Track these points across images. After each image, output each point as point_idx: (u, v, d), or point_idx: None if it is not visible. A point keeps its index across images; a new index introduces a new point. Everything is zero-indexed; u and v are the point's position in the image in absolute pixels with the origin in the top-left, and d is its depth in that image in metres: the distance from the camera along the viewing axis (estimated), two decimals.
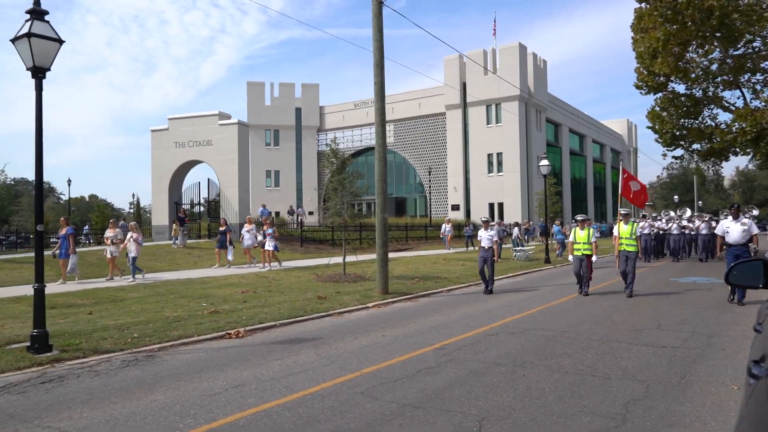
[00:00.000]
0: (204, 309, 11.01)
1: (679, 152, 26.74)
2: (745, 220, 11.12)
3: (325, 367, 6.67)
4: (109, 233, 17.52)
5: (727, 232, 11.18)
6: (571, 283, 15.39)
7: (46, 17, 7.61)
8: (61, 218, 18.14)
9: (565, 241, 20.58)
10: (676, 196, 67.81)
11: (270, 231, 20.08)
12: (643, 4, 22.27)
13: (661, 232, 24.02)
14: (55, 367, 6.85)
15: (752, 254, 11.19)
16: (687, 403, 5.13)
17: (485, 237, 13.74)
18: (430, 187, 47.83)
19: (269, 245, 19.87)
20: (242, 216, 30.44)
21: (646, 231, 21.41)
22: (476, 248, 28.18)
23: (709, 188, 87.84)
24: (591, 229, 12.75)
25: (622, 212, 12.76)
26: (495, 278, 14.85)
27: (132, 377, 6.44)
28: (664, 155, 26.59)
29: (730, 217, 11.37)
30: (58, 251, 16.15)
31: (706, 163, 38.85)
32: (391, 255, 21.73)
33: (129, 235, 16.99)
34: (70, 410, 5.29)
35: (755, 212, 24.86)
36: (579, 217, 13.10)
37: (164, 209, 31.90)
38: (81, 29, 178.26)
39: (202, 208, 33.01)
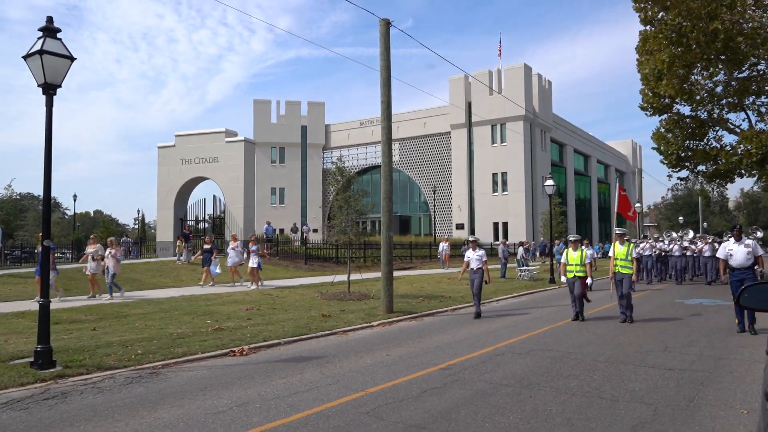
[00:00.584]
0: (208, 326, 10.98)
1: (684, 173, 26.73)
2: (749, 242, 10.45)
3: (329, 386, 6.62)
4: (89, 249, 16.77)
5: (731, 255, 10.50)
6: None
7: (58, 35, 7.71)
8: (91, 236, 18.34)
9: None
10: (681, 218, 67.61)
11: (254, 248, 19.16)
12: (648, 27, 22.43)
13: (663, 253, 23.46)
14: (58, 384, 6.82)
15: (758, 277, 10.68)
16: (696, 427, 5.06)
17: (474, 258, 12.74)
18: (434, 205, 47.85)
19: (253, 262, 19.01)
20: (247, 233, 30.47)
21: (647, 252, 21.10)
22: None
23: (714, 210, 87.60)
24: (584, 250, 12.08)
25: (617, 232, 12.26)
26: (500, 298, 14.78)
27: (136, 394, 6.40)
28: (670, 176, 26.57)
29: (732, 239, 10.70)
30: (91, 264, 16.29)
31: (710, 185, 38.93)
32: (395, 273, 21.68)
33: (108, 251, 16.33)
34: (72, 427, 5.26)
35: (759, 234, 24.02)
36: (571, 237, 12.37)
37: (169, 225, 31.98)
38: (90, 46, 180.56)
39: (207, 225, 33.09)
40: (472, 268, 12.76)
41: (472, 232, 46.74)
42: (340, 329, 10.94)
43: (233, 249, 19.71)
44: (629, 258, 11.83)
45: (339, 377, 7.08)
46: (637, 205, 52.43)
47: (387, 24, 13.82)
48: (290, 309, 13.72)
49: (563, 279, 12.34)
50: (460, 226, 47.80)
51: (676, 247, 22.57)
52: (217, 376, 7.24)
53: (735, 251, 10.45)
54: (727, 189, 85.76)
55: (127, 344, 9.02)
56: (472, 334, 10.42)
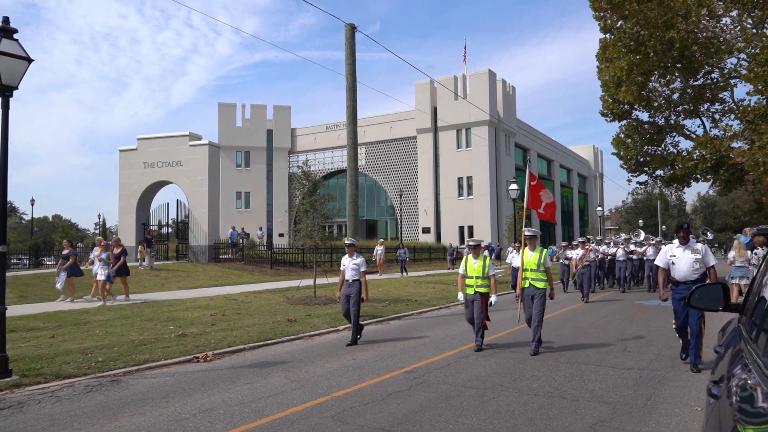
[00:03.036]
0: (171, 332, 10.81)
1: (643, 178, 27.45)
2: (698, 246, 7.71)
3: (294, 391, 6.61)
4: (96, 252, 16.27)
5: (673, 263, 7.79)
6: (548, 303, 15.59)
7: (15, 36, 7.53)
8: (64, 240, 18.19)
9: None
10: (640, 221, 69.37)
11: (104, 256, 15.96)
12: (607, 35, 23.03)
13: (608, 257, 20.77)
14: (14, 393, 6.63)
15: None
16: (652, 424, 5.22)
17: (349, 267, 10.11)
18: (401, 209, 48.07)
19: (101, 274, 15.86)
20: (212, 237, 30.10)
21: (591, 256, 17.96)
22: (405, 275, 27.64)
23: (673, 213, 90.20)
24: (487, 259, 9.22)
25: (526, 233, 9.36)
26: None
27: (96, 403, 6.27)
28: (629, 181, 27.43)
29: (676, 242, 7.89)
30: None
31: (669, 189, 39.99)
32: (369, 277, 21.69)
33: (94, 254, 16.10)
34: None
35: (709, 236, 22.15)
36: (470, 242, 9.42)
37: (131, 230, 31.30)
38: (49, 46, 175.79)
39: (170, 230, 32.52)
40: (347, 280, 10.01)
41: (438, 236, 47.12)
42: (305, 334, 10.91)
43: (97, 257, 16.18)
44: (542, 268, 9.00)
45: (304, 382, 7.07)
46: (598, 209, 53.58)
47: (352, 29, 13.88)
48: (255, 314, 13.61)
49: (460, 296, 9.42)
50: (426, 230, 48.12)
51: (620, 251, 20.26)
52: (180, 382, 7.15)
53: (679, 258, 7.70)
54: (684, 193, 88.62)
55: (87, 351, 8.82)
56: (438, 337, 10.51)
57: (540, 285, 8.98)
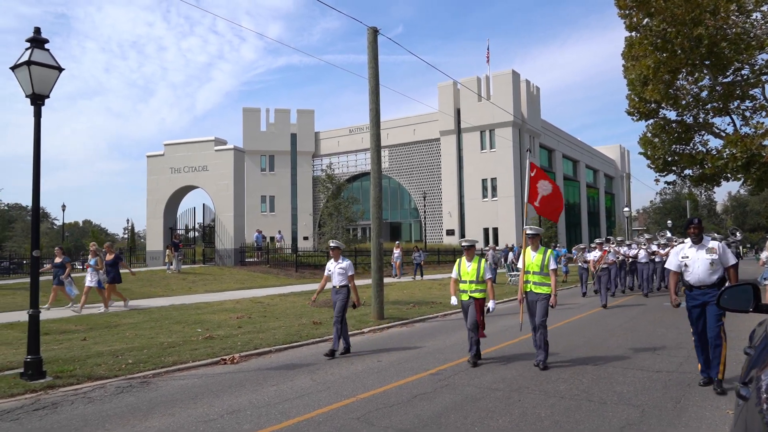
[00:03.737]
0: (199, 335, 10.96)
1: (671, 178, 26.92)
2: (714, 245, 6.69)
3: (320, 393, 6.65)
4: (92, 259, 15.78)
5: (686, 265, 6.76)
6: (566, 307, 15.43)
7: (46, 45, 7.73)
8: (56, 248, 16.96)
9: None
10: (669, 221, 68.18)
11: (92, 262, 15.48)
12: (633, 33, 22.69)
13: (628, 260, 19.85)
14: (48, 394, 6.80)
15: None
16: (682, 428, 5.14)
17: (336, 272, 9.50)
18: (425, 212, 48.01)
19: (89, 280, 15.33)
20: (237, 241, 30.41)
21: (610, 258, 16.98)
22: (419, 278, 27.10)
23: (702, 213, 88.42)
24: (484, 261, 8.47)
25: (527, 232, 8.45)
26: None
27: (126, 404, 6.40)
28: (657, 181, 26.89)
29: (688, 241, 6.90)
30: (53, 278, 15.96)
31: (698, 189, 39.34)
32: (386, 280, 21.73)
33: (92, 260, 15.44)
34: None
35: (738, 235, 20.47)
36: (464, 243, 8.50)
37: (159, 235, 31.80)
38: (79, 55, 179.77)
39: (197, 234, 32.98)
40: (334, 286, 9.39)
41: (462, 237, 46.91)
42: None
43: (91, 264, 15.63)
44: (545, 271, 8.05)
45: (329, 384, 7.11)
46: (625, 209, 52.75)
47: (375, 32, 13.93)
48: (281, 317, 13.72)
49: (453, 300, 8.58)
50: (450, 232, 47.97)
51: (642, 252, 19.34)
52: (208, 384, 7.25)
53: (692, 260, 6.71)
54: (714, 192, 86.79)
55: (118, 354, 9.00)
56: (463, 340, 10.45)
57: (542, 290, 8.00)
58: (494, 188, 45.78)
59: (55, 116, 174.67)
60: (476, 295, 8.24)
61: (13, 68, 7.65)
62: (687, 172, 25.55)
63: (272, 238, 39.08)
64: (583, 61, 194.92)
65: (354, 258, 30.63)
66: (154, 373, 7.89)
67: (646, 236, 22.12)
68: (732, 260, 6.63)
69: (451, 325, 12.84)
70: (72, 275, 16.24)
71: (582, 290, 19.19)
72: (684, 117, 24.17)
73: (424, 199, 47.68)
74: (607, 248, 17.24)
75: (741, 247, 57.61)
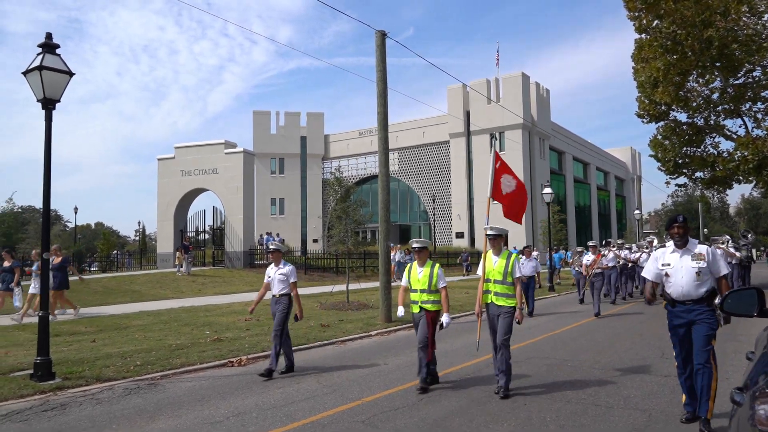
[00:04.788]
0: (207, 337, 11.02)
1: (682, 180, 26.73)
2: (701, 250, 5.47)
3: (326, 396, 6.67)
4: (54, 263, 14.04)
5: (667, 274, 5.54)
6: (575, 312, 15.35)
7: (57, 51, 7.83)
8: (3, 252, 14.91)
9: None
10: None
11: (35, 267, 14.54)
12: (643, 35, 22.59)
13: (629, 264, 18.78)
14: (57, 395, 6.87)
15: (719, 322, 5.30)
16: None
17: (276, 278, 8.38)
18: (434, 214, 47.96)
19: (34, 287, 14.09)
20: (247, 244, 30.54)
21: (611, 263, 16.15)
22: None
23: (715, 216, 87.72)
24: (435, 267, 7.17)
25: (488, 232, 7.13)
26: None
27: (134, 405, 6.45)
28: (668, 183, 26.70)
29: (670, 245, 5.69)
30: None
31: (710, 191, 38.95)
32: (394, 283, 21.73)
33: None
34: None
35: (750, 237, 19.04)
36: (415, 244, 7.26)
37: (169, 237, 32.01)
38: (91, 59, 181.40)
39: (206, 236, 33.16)
40: (274, 295, 8.30)
41: (471, 240, 46.81)
42: (338, 339, 10.99)
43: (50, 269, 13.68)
44: (509, 278, 6.79)
45: (336, 386, 7.13)
46: (636, 212, 52.42)
47: (383, 36, 13.96)
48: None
49: (399, 311, 7.30)
50: (460, 235, 47.90)
51: (644, 256, 18.34)
52: (215, 386, 7.29)
53: (674, 268, 5.48)
54: (727, 195, 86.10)
55: (126, 356, 9.07)
56: (469, 343, 10.44)
57: (505, 302, 6.71)
58: None
59: (69, 119, 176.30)
60: (428, 306, 6.99)
61: (24, 73, 7.75)
62: (698, 174, 25.37)
63: (285, 240, 39.15)
64: (594, 62, 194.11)
65: (363, 261, 30.68)
66: (162, 374, 7.95)
67: (648, 239, 20.53)
68: (724, 269, 5.44)
69: (458, 328, 12.82)
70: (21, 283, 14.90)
71: (579, 296, 17.94)
72: (695, 119, 24.03)
73: (434, 202, 47.64)
74: (604, 251, 16.24)
75: (755, 250, 57.08)
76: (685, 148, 24.62)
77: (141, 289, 21.79)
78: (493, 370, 6.82)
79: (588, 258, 15.71)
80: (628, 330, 11.74)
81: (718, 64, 21.60)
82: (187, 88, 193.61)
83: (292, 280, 8.21)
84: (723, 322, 5.21)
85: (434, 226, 48.54)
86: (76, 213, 48.10)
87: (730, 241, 17.62)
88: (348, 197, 17.91)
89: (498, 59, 48.49)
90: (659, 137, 24.86)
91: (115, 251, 43.99)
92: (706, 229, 67.88)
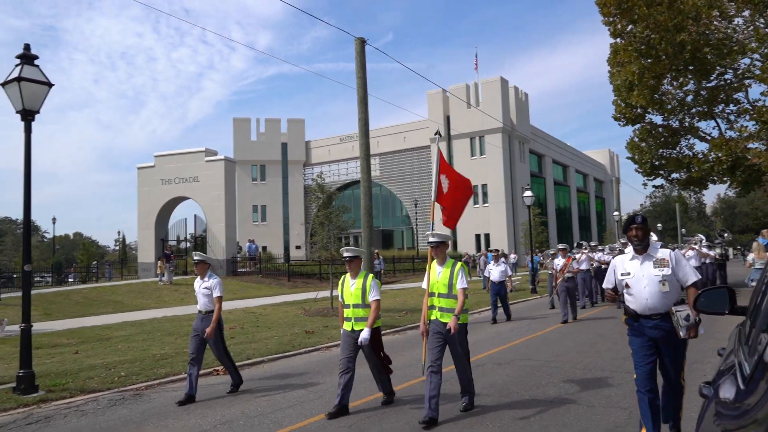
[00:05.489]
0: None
1: (659, 182, 27.23)
2: (665, 254, 4.81)
3: (313, 402, 6.71)
4: None
5: (627, 285, 4.83)
6: (556, 314, 15.53)
7: (36, 62, 7.81)
8: None
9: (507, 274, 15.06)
10: (659, 224, 68.71)
11: None
12: (618, 39, 22.99)
13: (603, 266, 17.04)
14: (41, 408, 6.83)
15: (679, 329, 4.47)
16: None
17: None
18: (416, 219, 48.14)
19: None
20: (229, 252, 30.40)
21: (584, 266, 15.65)
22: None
23: (692, 215, 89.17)
24: (369, 278, 6.50)
25: (430, 239, 6.33)
26: (482, 309, 14.90)
27: (119, 416, 6.44)
28: (645, 185, 27.12)
29: (629, 251, 5.03)
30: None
31: (686, 192, 39.70)
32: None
33: None
34: None
35: (727, 236, 18.92)
36: (346, 253, 6.60)
37: (150, 246, 31.72)
38: (68, 67, 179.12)
39: (188, 245, 32.94)
40: (199, 311, 7.58)
41: (454, 244, 47.08)
42: (323, 345, 11.02)
43: None
44: (454, 291, 6.03)
45: (322, 392, 7.18)
46: (615, 213, 53.13)
47: (362, 42, 14.08)
48: (274, 326, 13.76)
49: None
50: None
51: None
52: (201, 395, 7.28)
53: (636, 278, 4.78)
54: (703, 195, 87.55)
55: (110, 366, 9.02)
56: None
57: (447, 318, 5.95)
58: (485, 194, 46.02)
59: (45, 129, 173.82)
60: (362, 324, 6.28)
61: (2, 84, 7.71)
62: (674, 175, 25.86)
63: (266, 248, 39.00)
64: (572, 66, 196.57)
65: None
66: (147, 384, 7.93)
67: (623, 241, 19.06)
68: (692, 276, 4.73)
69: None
70: None
71: (550, 301, 17.01)
72: (670, 121, 24.49)
73: (416, 207, 47.83)
74: (576, 254, 15.72)
75: (731, 249, 58.12)
76: (661, 150, 25.09)
77: (123, 300, 21.59)
78: (426, 392, 5.74)
79: (558, 262, 14.76)
80: (610, 330, 11.93)
81: (691, 68, 22.06)
82: (166, 96, 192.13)
83: (216, 294, 7.40)
84: (684, 333, 4.45)
85: (417, 231, 48.71)
86: (54, 223, 47.58)
87: (703, 241, 17.84)
88: (330, 203, 17.96)
89: (477, 64, 49.07)
90: (636, 139, 25.29)
91: (95, 261, 43.41)
92: (684, 229, 69.01)
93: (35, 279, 37.28)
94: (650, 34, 20.86)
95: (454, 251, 45.51)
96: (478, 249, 43.58)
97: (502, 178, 45.14)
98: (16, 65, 7.67)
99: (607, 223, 70.83)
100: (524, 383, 7.26)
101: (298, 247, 50.44)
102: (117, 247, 76.20)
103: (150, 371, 8.63)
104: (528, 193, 25.03)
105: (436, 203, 8.09)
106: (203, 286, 7.46)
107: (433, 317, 6.13)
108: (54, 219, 46.70)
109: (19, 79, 7.52)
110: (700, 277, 4.98)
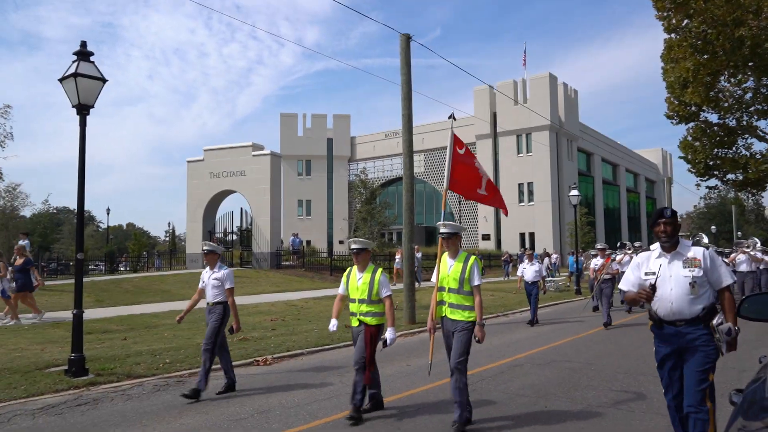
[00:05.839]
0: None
1: (713, 182, 26.32)
2: (697, 253, 4.31)
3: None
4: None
5: (651, 286, 4.22)
6: (598, 315, 15.19)
7: (91, 58, 8.11)
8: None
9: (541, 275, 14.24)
10: (713, 227, 66.28)
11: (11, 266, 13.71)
12: (672, 35, 22.29)
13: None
14: (90, 391, 7.12)
15: (721, 349, 4.16)
16: None
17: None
18: (460, 216, 47.83)
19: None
20: (274, 245, 30.90)
21: (624, 267, 13.17)
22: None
23: (749, 218, 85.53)
24: (377, 273, 6.16)
25: (442, 230, 5.80)
26: (524, 309, 14.71)
27: (163, 401, 6.66)
28: (698, 185, 26.21)
29: (655, 248, 4.54)
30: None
31: (743, 193, 38.14)
32: (420, 284, 21.78)
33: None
34: (114, 429, 5.54)
35: (755, 242, 16.60)
36: (353, 245, 6.25)
37: (198, 238, 32.54)
38: (124, 63, 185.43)
39: (235, 237, 33.64)
40: (208, 303, 7.49)
41: (498, 243, 46.59)
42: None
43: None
44: (466, 287, 5.53)
45: None
46: None
47: (407, 39, 14.06)
48: (314, 320, 13.94)
49: (331, 325, 6.44)
50: (486, 237, 47.70)
51: None
52: (241, 384, 7.45)
53: (662, 278, 4.27)
54: (762, 197, 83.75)
55: (156, 353, 9.32)
56: (493, 345, 10.47)
57: (461, 316, 5.53)
58: (531, 193, 45.35)
59: (101, 122, 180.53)
60: (368, 320, 6.00)
61: (61, 80, 8.05)
62: (730, 176, 24.93)
63: (311, 242, 39.40)
64: (624, 61, 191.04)
65: (388, 262, 30.77)
66: (190, 372, 8.16)
67: (637, 244, 18.08)
68: (726, 278, 4.23)
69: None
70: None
71: (593, 303, 16.27)
72: (726, 120, 23.61)
73: (460, 204, 47.52)
74: (618, 255, 15.19)
75: None
76: (716, 150, 24.23)
77: (171, 289, 22.24)
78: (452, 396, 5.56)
79: (596, 262, 14.53)
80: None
81: (750, 64, 21.20)
82: (216, 91, 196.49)
83: (227, 285, 7.21)
84: (725, 349, 4.10)
85: None
86: (108, 214, 49.20)
87: (757, 245, 16.91)
88: (373, 199, 18.05)
89: (525, 60, 48.21)
90: (689, 138, 24.50)
91: (146, 251, 44.86)
92: (740, 232, 66.33)
93: (89, 267, 38.78)
94: (707, 29, 20.14)
95: (498, 250, 45.05)
96: (523, 248, 42.98)
97: (549, 177, 44.37)
98: (73, 61, 7.98)
99: None
100: (563, 385, 7.15)
101: (341, 242, 50.85)
102: (167, 238, 78.51)
103: (193, 359, 8.88)
104: (574, 192, 24.55)
105: (449, 191, 7.60)
106: (213, 277, 7.23)
107: (442, 314, 5.72)
108: (108, 209, 48.41)
109: (75, 74, 7.83)
110: (735, 279, 4.59)
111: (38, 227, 49.99)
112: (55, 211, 67.73)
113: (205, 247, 7.45)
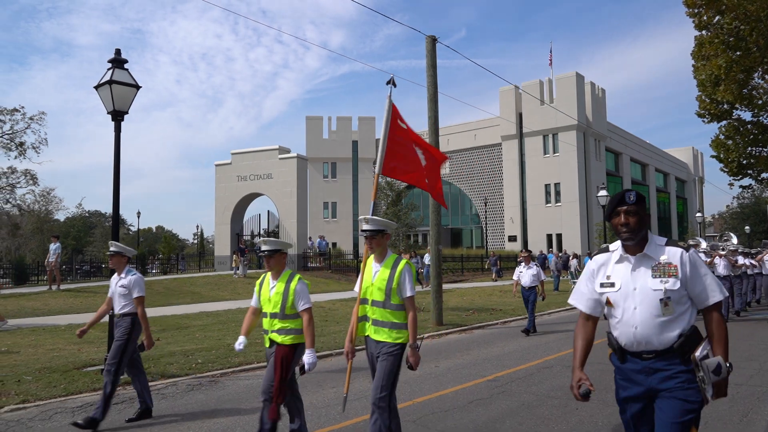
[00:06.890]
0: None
1: (746, 182, 25.72)
2: (672, 255, 2.88)
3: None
4: None
5: (609, 302, 3.02)
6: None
7: (125, 65, 8.32)
8: None
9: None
10: (747, 227, 64.73)
11: None
12: (703, 32, 21.87)
13: None
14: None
15: (704, 389, 2.74)
16: None
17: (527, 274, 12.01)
18: (486, 218, 47.58)
19: None
20: (300, 246, 31.16)
21: None
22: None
23: None
24: (293, 281, 5.02)
25: (363, 227, 4.51)
26: (552, 311, 14.57)
27: (196, 401, 6.79)
28: (731, 185, 25.61)
29: (616, 248, 3.05)
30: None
31: None
32: (446, 286, 21.75)
33: None
34: (140, 429, 5.67)
35: (732, 243, 15.64)
36: (264, 246, 5.09)
37: (226, 240, 33.03)
38: (153, 68, 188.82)
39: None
40: (116, 315, 6.36)
41: (525, 244, 46.19)
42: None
43: None
44: (394, 300, 4.39)
45: None
46: (698, 214, 50.50)
47: (433, 41, 14.08)
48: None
49: (238, 344, 5.21)
50: (512, 238, 47.34)
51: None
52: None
53: (623, 292, 2.97)
54: None
55: (188, 354, 9.49)
56: (522, 347, 10.43)
57: (385, 336, 4.39)
58: (558, 193, 44.87)
59: (131, 127, 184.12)
60: (278, 338, 4.87)
61: (96, 87, 8.27)
62: (764, 175, 24.35)
63: (336, 243, 39.58)
64: (653, 60, 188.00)
65: (416, 264, 30.79)
66: (222, 372, 8.30)
67: (690, 242, 16.62)
68: (715, 293, 2.87)
69: (510, 332, 12.77)
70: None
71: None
72: (760, 117, 23.06)
73: (486, 205, 47.26)
74: None
75: None
76: (749, 148, 23.67)
77: (200, 291, 22.59)
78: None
79: None
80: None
81: None
82: (243, 95, 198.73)
83: (135, 294, 6.01)
84: (711, 393, 2.78)
85: (486, 230, 48.15)
86: (138, 217, 50.16)
87: None
88: (399, 201, 18.10)
89: (551, 59, 47.74)
90: (721, 137, 23.99)
91: (177, 254, 45.59)
92: None
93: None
94: (739, 25, 19.73)
95: (528, 252, 44.64)
96: (549, 249, 42.55)
97: (576, 177, 43.85)
98: (108, 69, 8.19)
99: (689, 225, 67.40)
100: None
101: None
102: (195, 241, 79.65)
103: (225, 360, 9.03)
104: (602, 192, 24.26)
105: (381, 176, 6.17)
106: (120, 284, 6.06)
107: (364, 333, 4.55)
108: (139, 213, 49.37)
109: (110, 82, 8.05)
110: (727, 294, 3.39)
111: (72, 230, 51.19)
112: (87, 214, 69.24)
113: (111, 248, 6.26)
